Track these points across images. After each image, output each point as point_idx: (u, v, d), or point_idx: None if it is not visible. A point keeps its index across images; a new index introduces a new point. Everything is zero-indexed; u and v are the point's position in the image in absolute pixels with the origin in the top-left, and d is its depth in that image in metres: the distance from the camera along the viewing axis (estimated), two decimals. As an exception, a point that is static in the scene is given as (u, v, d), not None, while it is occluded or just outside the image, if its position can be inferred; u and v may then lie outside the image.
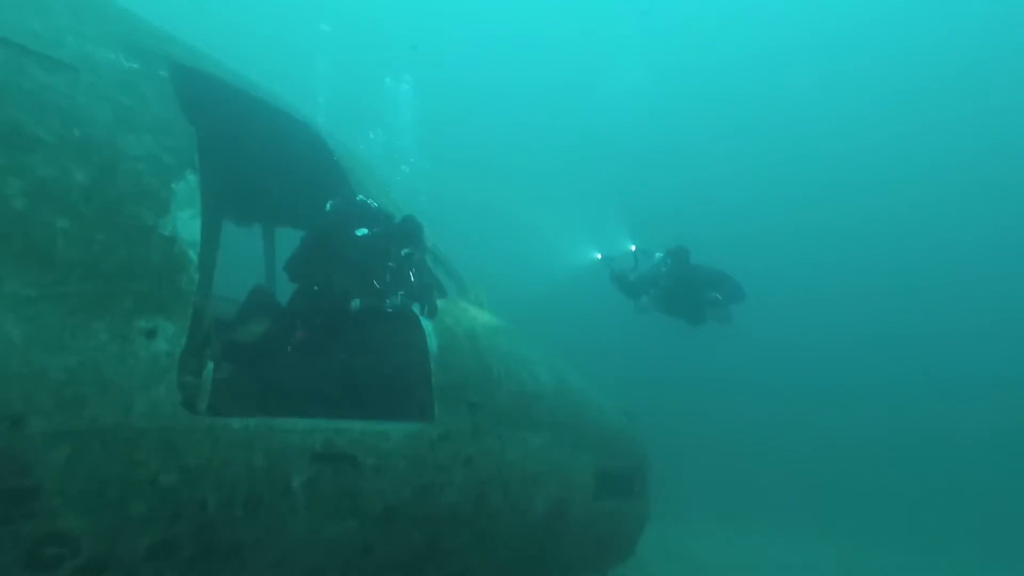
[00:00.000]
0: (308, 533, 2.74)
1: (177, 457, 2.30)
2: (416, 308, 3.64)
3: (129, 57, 2.67)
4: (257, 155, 3.90)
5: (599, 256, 7.62)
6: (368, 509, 2.98)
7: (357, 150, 4.20)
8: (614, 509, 4.86)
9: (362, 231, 3.64)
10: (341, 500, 2.87)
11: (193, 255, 2.43)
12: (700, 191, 32.94)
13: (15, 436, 1.87)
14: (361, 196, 3.77)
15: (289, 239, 4.96)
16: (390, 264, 3.74)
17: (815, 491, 19.25)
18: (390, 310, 3.60)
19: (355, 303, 3.56)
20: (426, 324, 3.61)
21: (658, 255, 7.27)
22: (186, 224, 2.44)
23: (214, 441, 2.42)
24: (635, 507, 5.27)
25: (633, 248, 7.43)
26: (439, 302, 3.83)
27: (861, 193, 32.67)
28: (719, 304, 7.03)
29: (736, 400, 26.93)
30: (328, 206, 3.78)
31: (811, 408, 27.37)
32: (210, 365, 2.53)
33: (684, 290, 7.01)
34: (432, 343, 3.56)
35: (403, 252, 3.74)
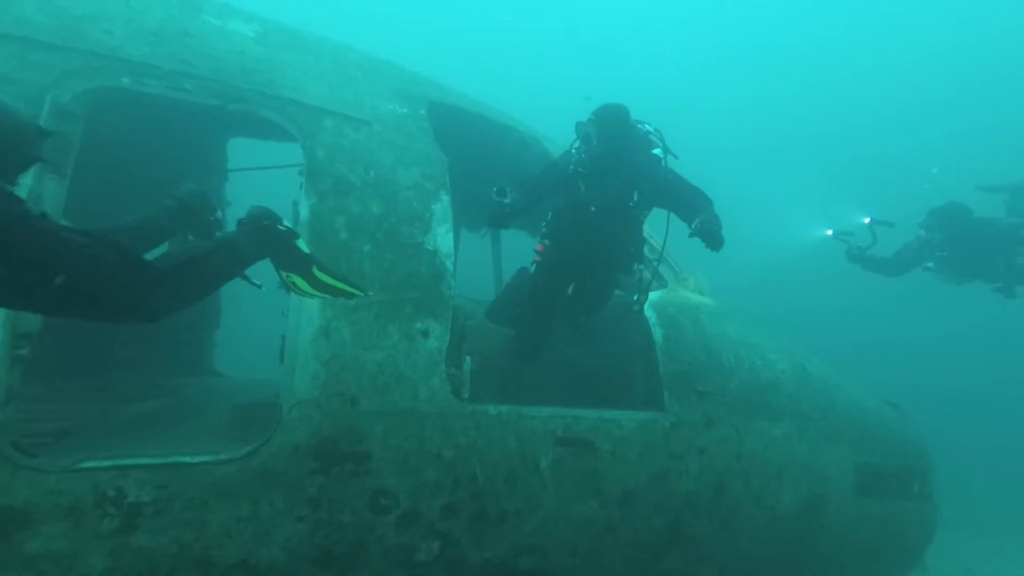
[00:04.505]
0: (558, 508, 3.01)
1: (451, 436, 2.77)
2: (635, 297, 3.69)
3: (401, 104, 3.32)
4: (492, 168, 4.41)
5: (829, 233, 6.61)
6: (608, 491, 3.15)
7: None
8: (886, 511, 4.25)
9: None
10: (583, 481, 3.10)
11: (449, 264, 2.93)
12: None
13: (353, 412, 2.51)
14: None
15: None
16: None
17: None
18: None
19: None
20: (649, 314, 3.65)
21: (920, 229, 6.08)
22: (443, 238, 2.96)
23: (477, 424, 2.85)
24: (916, 511, 4.53)
25: (867, 220, 6.29)
26: (660, 292, 3.84)
27: None
28: (1005, 276, 5.64)
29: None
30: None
31: None
32: (468, 359, 2.98)
33: (980, 254, 5.75)
34: (657, 333, 3.60)
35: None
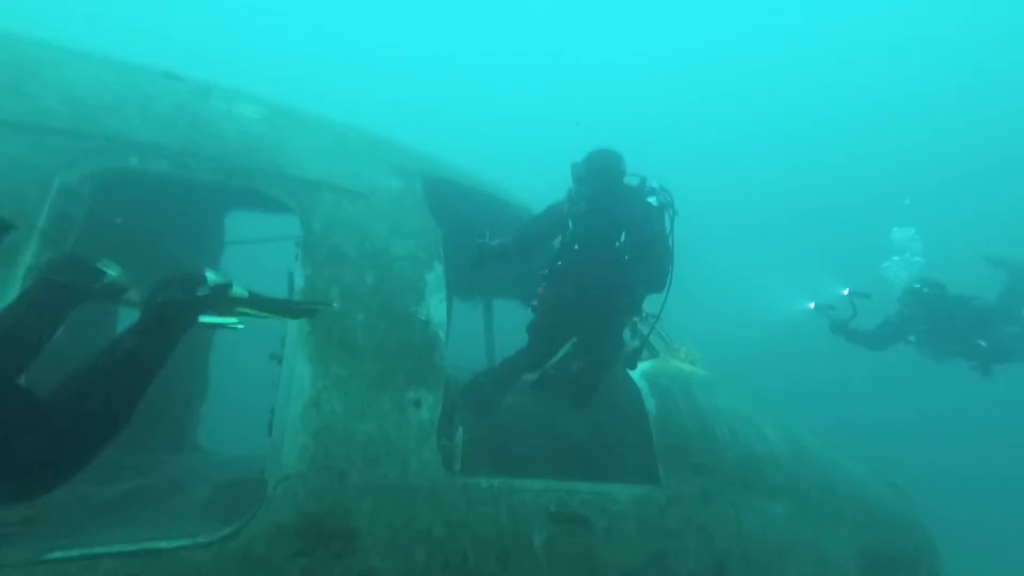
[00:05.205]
0: (553, 591, 2.84)
1: (442, 512, 2.66)
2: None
3: (398, 179, 3.47)
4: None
5: (812, 306, 6.77)
6: (604, 572, 3.00)
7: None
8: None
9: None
10: (578, 561, 2.94)
11: (442, 334, 2.95)
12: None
13: (341, 487, 2.42)
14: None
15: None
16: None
17: None
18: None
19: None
20: (641, 384, 3.64)
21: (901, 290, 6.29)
22: (436, 308, 3.00)
23: (468, 499, 2.75)
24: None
25: (846, 292, 6.47)
26: (651, 362, 3.84)
27: None
28: (980, 354, 5.80)
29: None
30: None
31: None
32: (460, 430, 2.92)
33: (949, 335, 5.93)
34: (649, 404, 3.57)
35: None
